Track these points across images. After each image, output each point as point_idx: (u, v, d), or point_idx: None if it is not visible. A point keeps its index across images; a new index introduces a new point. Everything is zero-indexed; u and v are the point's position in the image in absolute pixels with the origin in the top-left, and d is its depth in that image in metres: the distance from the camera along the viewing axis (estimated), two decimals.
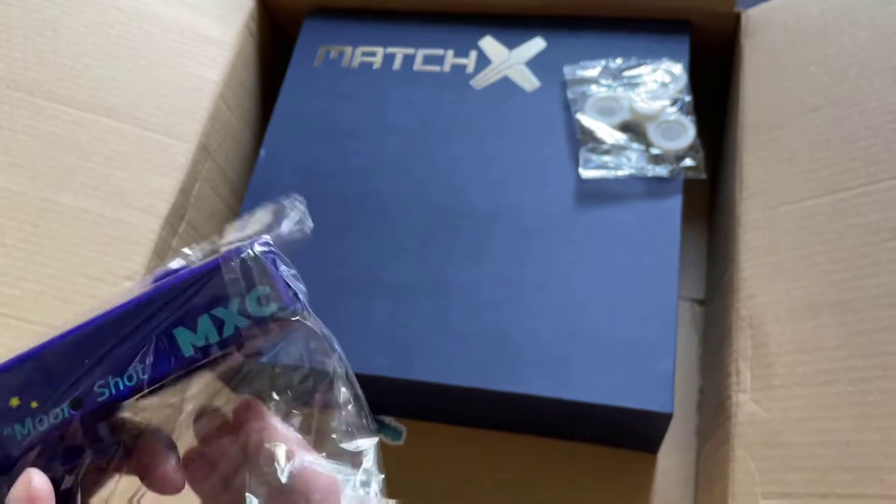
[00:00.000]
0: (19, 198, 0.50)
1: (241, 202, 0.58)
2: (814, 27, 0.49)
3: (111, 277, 0.49)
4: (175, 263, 0.27)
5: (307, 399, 0.28)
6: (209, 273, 0.24)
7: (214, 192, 0.57)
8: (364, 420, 0.27)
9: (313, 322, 0.26)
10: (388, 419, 0.54)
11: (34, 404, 0.24)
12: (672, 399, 0.43)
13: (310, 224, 0.27)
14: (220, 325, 0.24)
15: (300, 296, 0.25)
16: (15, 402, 0.24)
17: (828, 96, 0.46)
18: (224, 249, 0.25)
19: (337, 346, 0.27)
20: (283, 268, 0.25)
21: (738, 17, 0.54)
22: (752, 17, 0.53)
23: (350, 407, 0.27)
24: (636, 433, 0.48)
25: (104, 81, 0.54)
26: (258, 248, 0.25)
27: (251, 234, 0.26)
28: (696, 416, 0.51)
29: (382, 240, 0.51)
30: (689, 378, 0.53)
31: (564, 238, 0.49)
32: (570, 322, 0.46)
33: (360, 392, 0.27)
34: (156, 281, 0.26)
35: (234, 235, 0.27)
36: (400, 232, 0.51)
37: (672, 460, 0.50)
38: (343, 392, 0.27)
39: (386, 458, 0.36)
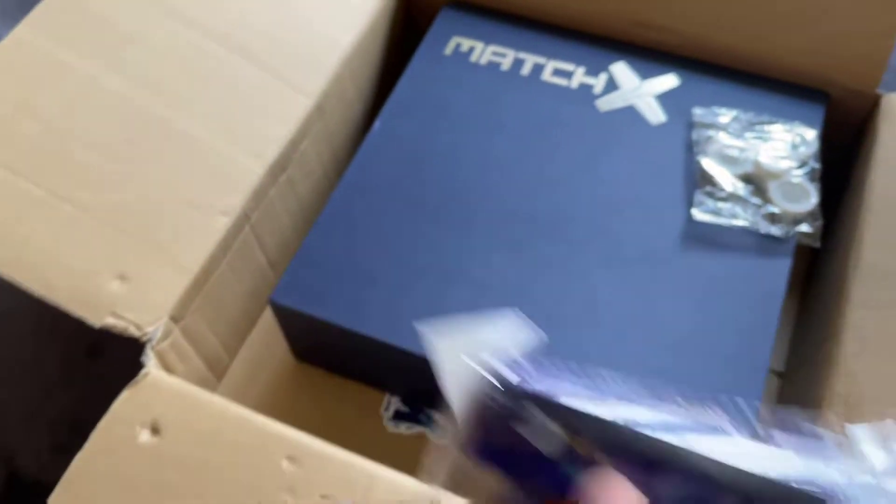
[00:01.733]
0: (138, 110, 0.50)
1: (339, 170, 0.58)
2: None
3: (206, 208, 0.49)
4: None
5: None
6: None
7: (317, 153, 0.57)
8: None
9: None
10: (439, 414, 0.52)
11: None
12: None
13: None
14: None
15: None
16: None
17: None
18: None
19: None
20: None
21: (877, 99, 0.53)
22: (893, 102, 0.53)
23: None
24: None
25: (244, 19, 0.55)
26: None
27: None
28: None
29: (475, 235, 0.50)
30: None
31: (663, 274, 0.48)
32: (649, 359, 0.45)
33: None
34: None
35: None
36: (495, 230, 0.51)
37: None
38: None
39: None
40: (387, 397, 0.53)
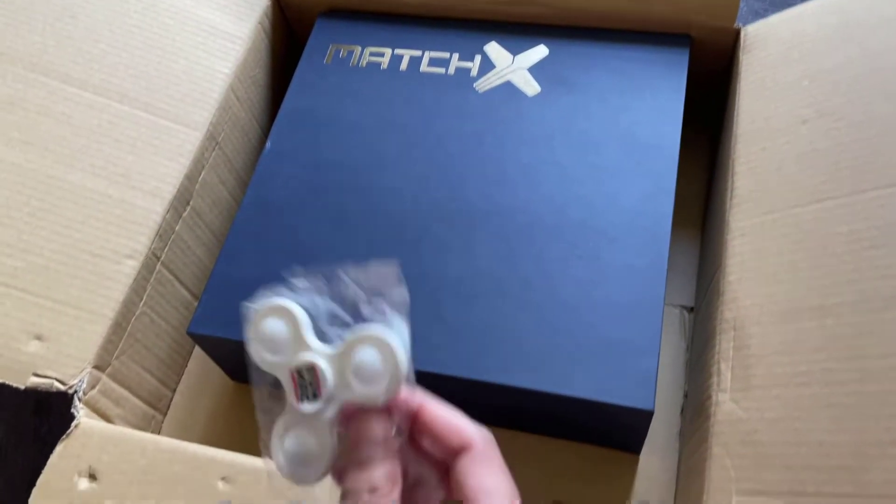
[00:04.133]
0: (28, 174, 0.51)
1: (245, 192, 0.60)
2: (808, 44, 0.50)
3: (113, 255, 0.50)
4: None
5: None
6: None
7: (220, 180, 0.59)
8: None
9: None
10: None
11: None
12: (653, 396, 0.44)
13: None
14: None
15: None
16: None
17: (819, 109, 0.47)
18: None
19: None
20: None
21: (737, 33, 0.56)
22: (750, 33, 0.55)
23: None
24: (618, 431, 0.49)
25: (118, 67, 0.56)
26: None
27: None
28: (679, 421, 0.52)
29: (379, 233, 0.52)
30: (675, 383, 0.53)
31: (554, 237, 0.50)
32: (555, 318, 0.47)
33: None
34: None
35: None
36: (396, 225, 0.52)
37: (654, 463, 0.51)
38: None
39: None
40: None
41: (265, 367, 0.28)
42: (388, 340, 0.27)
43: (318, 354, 0.28)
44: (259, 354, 0.28)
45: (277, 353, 0.28)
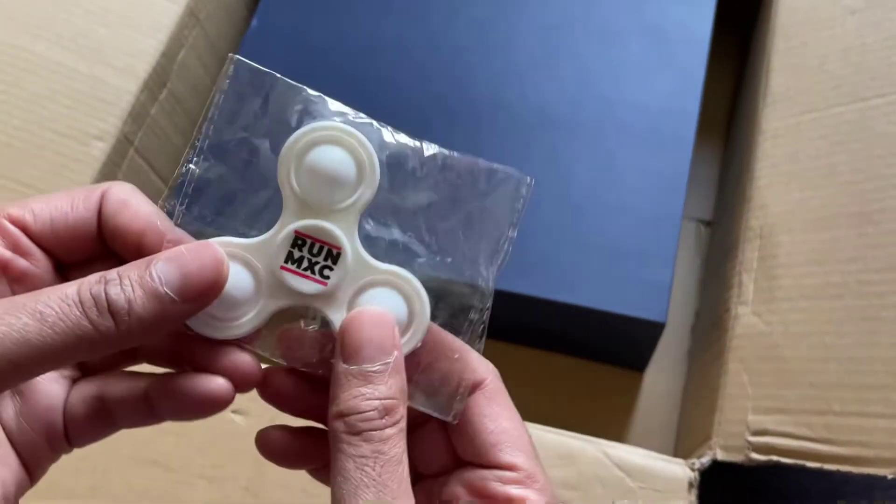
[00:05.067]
0: None
1: None
2: None
3: (81, 136, 0.46)
4: None
5: None
6: None
7: (200, 62, 0.54)
8: None
9: None
10: None
11: None
12: (666, 308, 0.41)
13: None
14: None
15: None
16: None
17: None
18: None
19: None
20: None
21: None
22: None
23: None
24: (625, 346, 0.45)
25: None
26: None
27: None
28: (689, 339, 0.49)
29: None
30: (686, 300, 0.50)
31: (567, 136, 0.46)
32: (565, 223, 0.43)
33: None
34: None
35: None
36: (392, 119, 0.48)
37: (659, 382, 0.48)
38: None
39: None
40: None
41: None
42: (348, 131, 0.22)
43: (250, 241, 0.22)
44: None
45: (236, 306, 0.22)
